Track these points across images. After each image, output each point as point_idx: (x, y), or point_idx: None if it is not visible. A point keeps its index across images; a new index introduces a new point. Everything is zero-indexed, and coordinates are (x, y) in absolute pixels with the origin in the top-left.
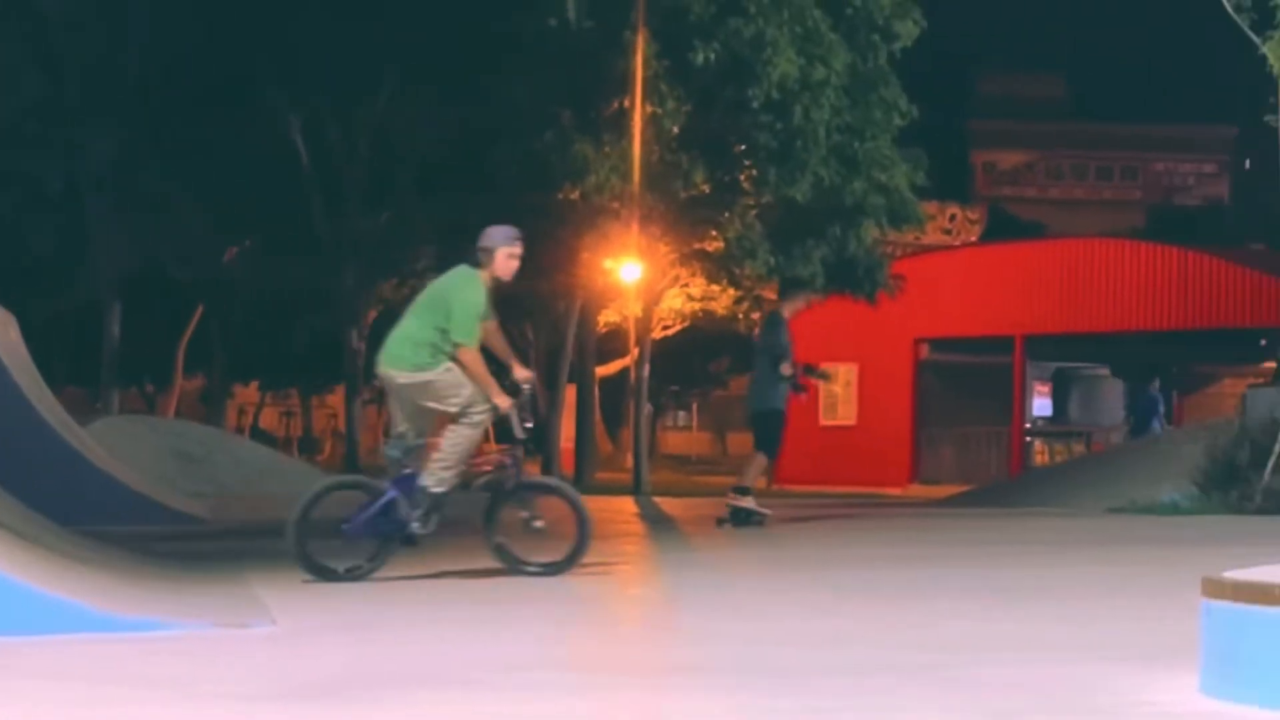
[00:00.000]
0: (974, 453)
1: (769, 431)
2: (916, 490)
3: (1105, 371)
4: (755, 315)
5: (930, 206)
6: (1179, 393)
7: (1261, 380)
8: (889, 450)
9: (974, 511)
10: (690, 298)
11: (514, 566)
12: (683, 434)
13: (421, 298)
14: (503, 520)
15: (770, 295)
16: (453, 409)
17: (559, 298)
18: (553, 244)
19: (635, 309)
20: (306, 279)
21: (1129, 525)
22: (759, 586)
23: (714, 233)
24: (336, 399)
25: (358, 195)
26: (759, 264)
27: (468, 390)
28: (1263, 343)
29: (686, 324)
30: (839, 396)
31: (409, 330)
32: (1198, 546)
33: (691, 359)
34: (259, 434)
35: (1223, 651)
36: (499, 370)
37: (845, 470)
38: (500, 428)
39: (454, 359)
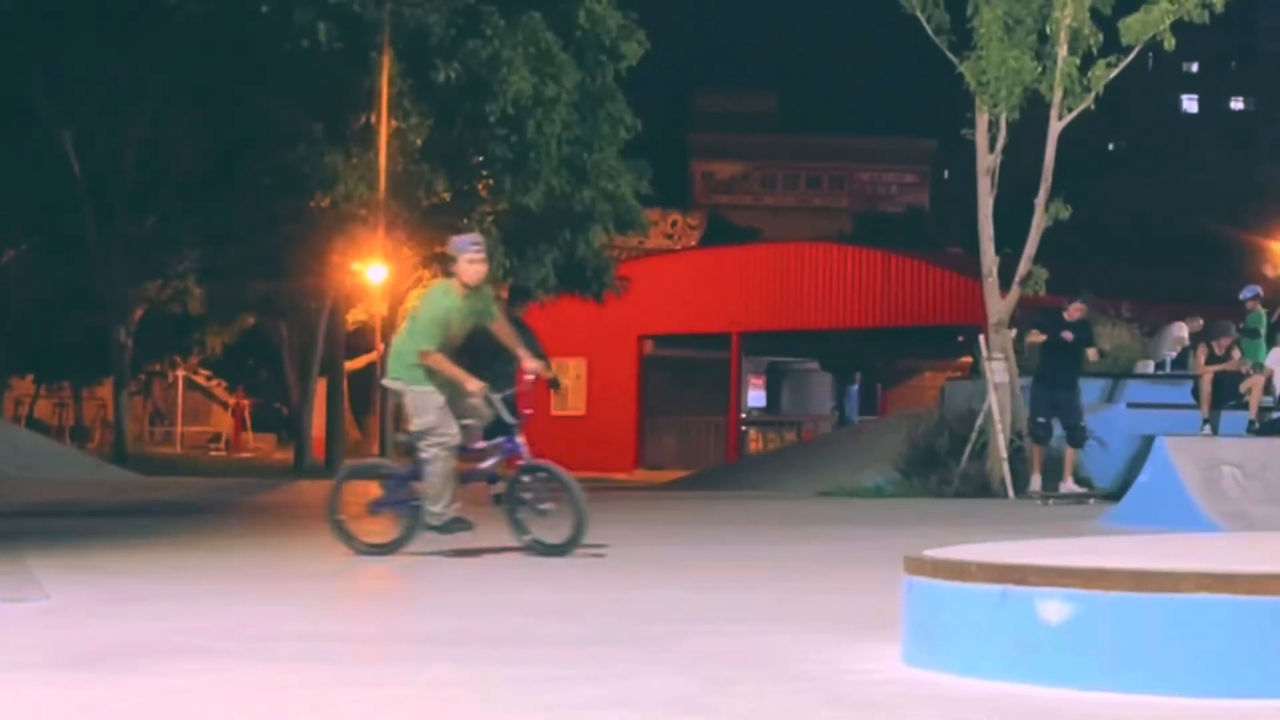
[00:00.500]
0: (694, 440)
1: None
2: (641, 475)
3: (815, 366)
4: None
5: (653, 213)
6: (883, 385)
7: (958, 374)
8: (616, 438)
9: (695, 494)
10: None
11: (529, 543)
12: None
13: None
14: (519, 497)
15: (505, 295)
16: (414, 429)
17: (310, 298)
18: (304, 248)
19: (381, 308)
20: (78, 279)
21: (837, 507)
22: (498, 562)
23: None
24: (106, 390)
25: (125, 202)
26: (495, 267)
27: (430, 417)
28: (960, 339)
29: None
30: (569, 389)
31: (396, 345)
32: (900, 527)
33: None
34: (34, 423)
35: (922, 624)
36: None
37: (575, 456)
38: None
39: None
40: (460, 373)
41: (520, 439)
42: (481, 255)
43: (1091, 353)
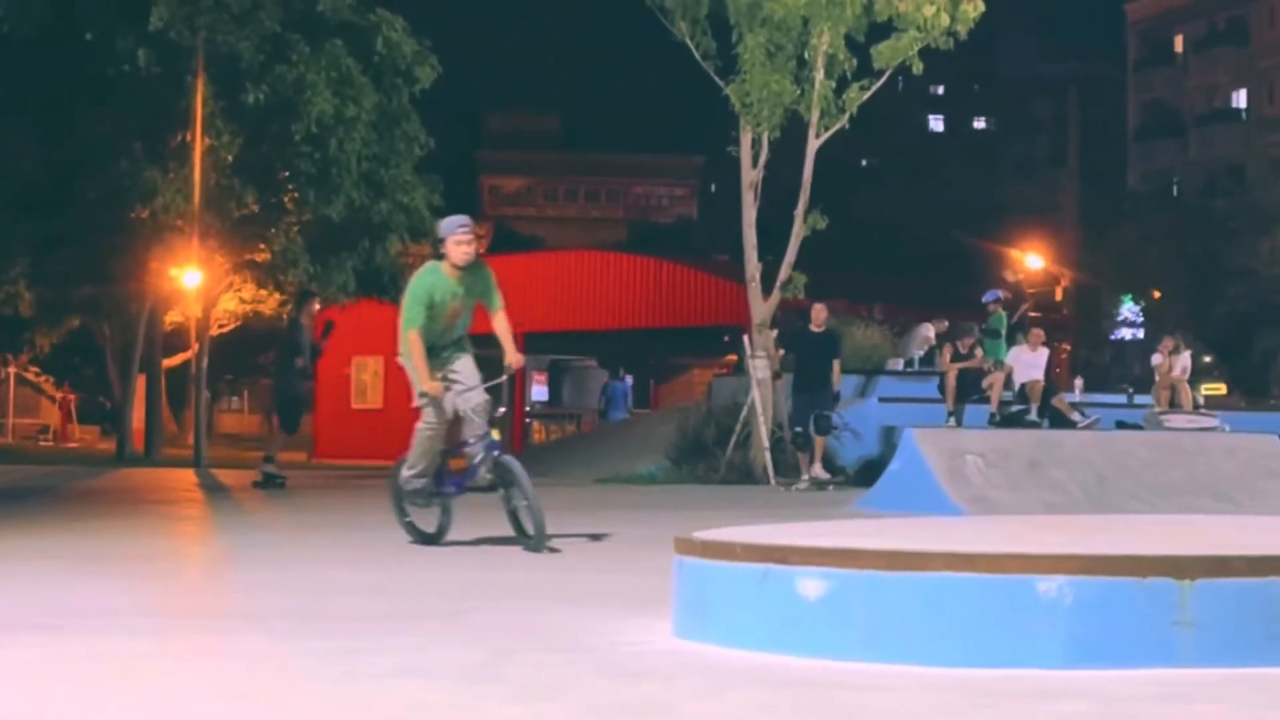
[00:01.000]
0: None
1: (287, 413)
2: None
3: (593, 363)
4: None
5: None
6: (655, 381)
7: (724, 371)
8: (409, 429)
9: None
10: (242, 300)
11: (519, 536)
12: (236, 416)
13: None
14: (511, 490)
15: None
16: (418, 404)
17: (131, 301)
18: (126, 256)
19: (196, 310)
20: None
21: (613, 493)
22: (299, 544)
23: (262, 246)
24: None
25: None
26: (300, 272)
27: (423, 399)
28: (725, 339)
29: (239, 323)
30: (368, 384)
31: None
32: (670, 511)
33: (243, 352)
34: None
35: (692, 600)
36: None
37: (375, 446)
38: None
39: (436, 337)
40: (423, 368)
41: (490, 439)
42: (469, 236)
43: (836, 365)
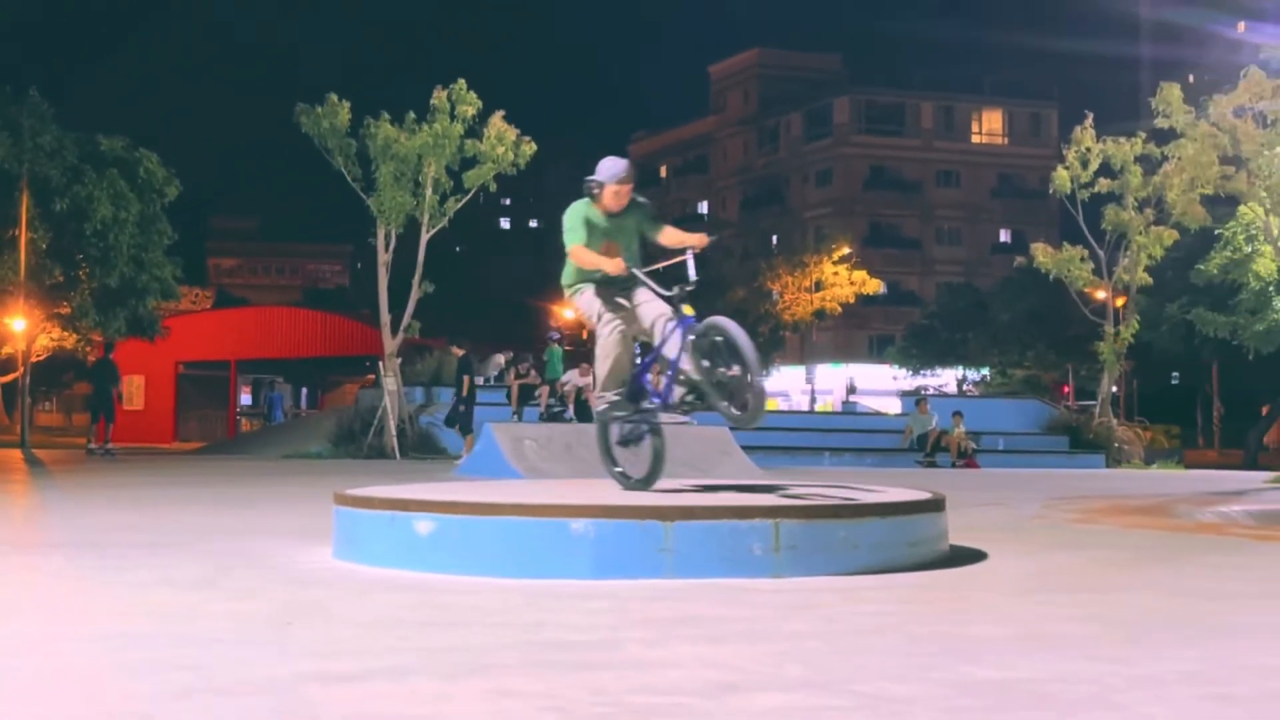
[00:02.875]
0: (208, 424)
1: (96, 408)
2: (177, 445)
3: (281, 379)
4: (88, 350)
5: (185, 289)
6: (322, 391)
7: (368, 384)
8: (161, 422)
9: (210, 457)
10: (52, 339)
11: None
12: (49, 414)
13: None
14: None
15: (97, 338)
16: (591, 325)
17: None
18: None
19: (22, 344)
20: None
21: (294, 464)
22: (91, 497)
23: (65, 303)
24: None
25: None
26: (91, 322)
27: (593, 307)
28: (367, 364)
29: (50, 353)
30: (134, 393)
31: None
32: (334, 476)
33: (53, 373)
34: None
35: (345, 534)
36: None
37: (136, 435)
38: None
39: (595, 279)
40: (598, 259)
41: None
42: (629, 188)
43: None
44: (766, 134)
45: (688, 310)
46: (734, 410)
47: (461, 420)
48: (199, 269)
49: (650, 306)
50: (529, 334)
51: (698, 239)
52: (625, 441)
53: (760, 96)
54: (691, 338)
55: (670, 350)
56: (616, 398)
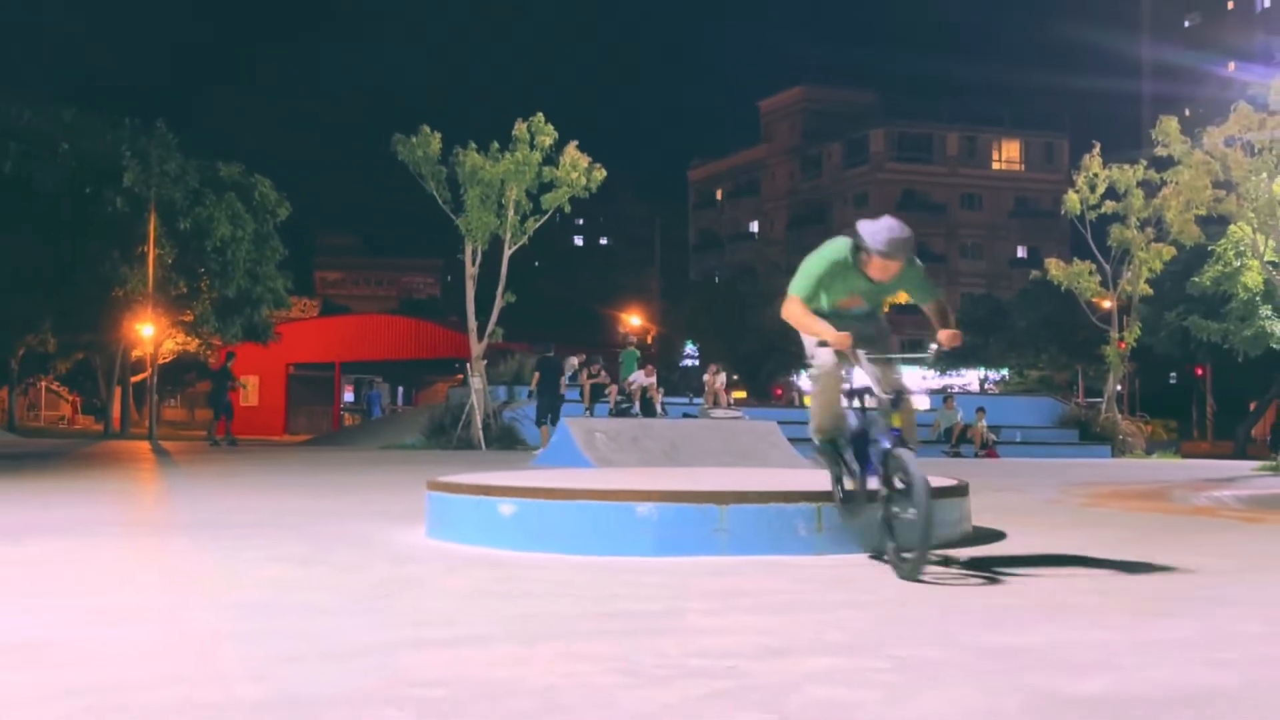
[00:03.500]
0: (316, 419)
1: (217, 406)
2: (287, 438)
3: (380, 379)
4: (208, 353)
5: (295, 299)
6: (416, 390)
7: (456, 384)
8: (274, 417)
9: (318, 448)
10: (176, 343)
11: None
12: (173, 410)
13: None
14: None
15: (217, 343)
16: (809, 353)
17: (112, 343)
18: (109, 317)
19: (149, 348)
20: None
21: (391, 454)
22: (210, 484)
23: (188, 312)
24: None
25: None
26: (211, 328)
27: (810, 346)
28: (456, 365)
29: (174, 356)
30: (250, 390)
31: None
32: (427, 465)
33: (177, 373)
34: None
35: (437, 516)
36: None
37: (253, 427)
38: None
39: (826, 313)
40: (812, 322)
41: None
42: (897, 265)
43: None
44: (810, 162)
45: (896, 421)
46: (902, 555)
47: (553, 413)
48: (307, 281)
49: (863, 379)
50: (598, 339)
51: (949, 336)
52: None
53: (804, 128)
54: (881, 469)
55: (873, 453)
56: (819, 442)
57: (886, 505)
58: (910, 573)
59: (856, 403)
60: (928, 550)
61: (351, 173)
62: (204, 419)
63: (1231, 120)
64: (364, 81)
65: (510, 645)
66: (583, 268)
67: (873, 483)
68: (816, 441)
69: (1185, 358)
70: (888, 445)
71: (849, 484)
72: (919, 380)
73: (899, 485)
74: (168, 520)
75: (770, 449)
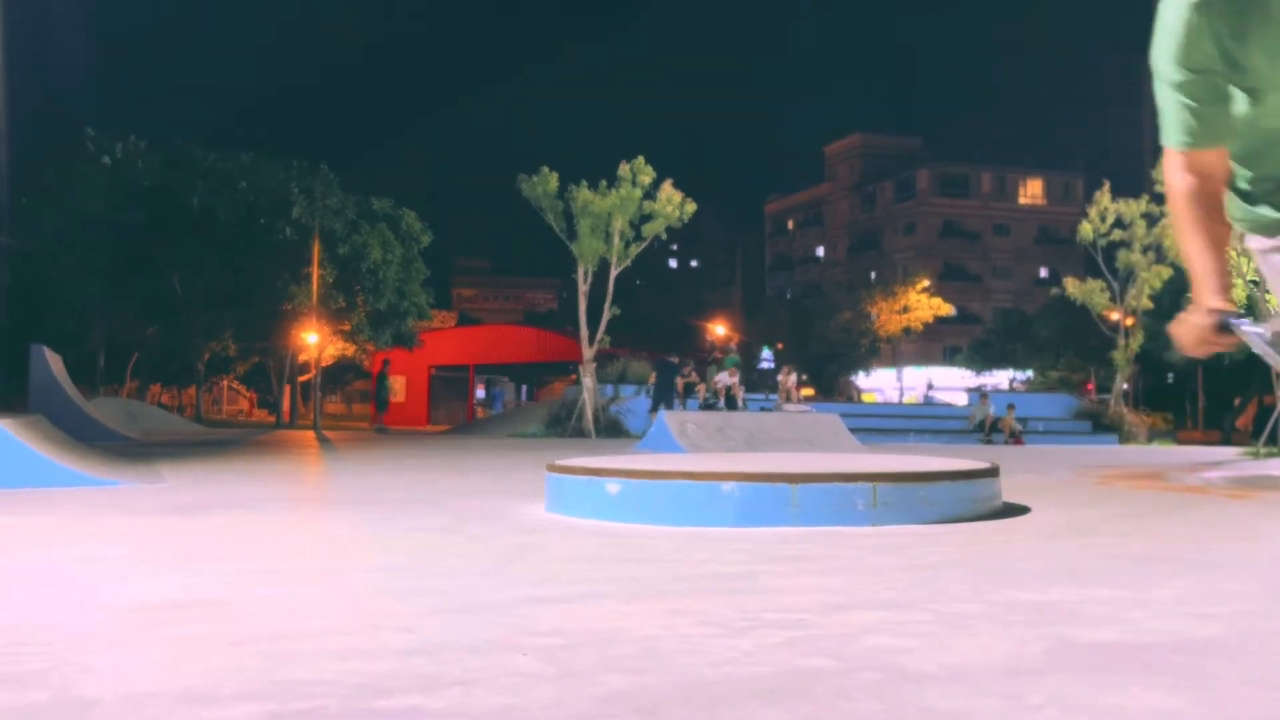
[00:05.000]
0: (453, 412)
1: (382, 402)
2: (430, 428)
3: (507, 379)
4: (363, 358)
5: (435, 312)
6: (536, 388)
7: (570, 383)
8: (418, 410)
9: (456, 437)
10: (336, 349)
11: None
12: (334, 405)
13: None
14: None
15: (371, 349)
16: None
17: (283, 349)
18: (280, 327)
19: (314, 354)
20: (179, 343)
21: (517, 442)
22: (367, 466)
23: (346, 323)
24: (192, 390)
25: (201, 308)
26: (365, 336)
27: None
28: (570, 368)
29: (335, 360)
30: (399, 390)
31: None
32: (547, 450)
33: (338, 374)
34: (162, 406)
35: (555, 494)
36: None
37: (402, 419)
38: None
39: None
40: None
41: None
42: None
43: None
44: (866, 197)
45: None
46: None
47: (666, 405)
48: (445, 297)
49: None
50: (689, 346)
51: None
52: None
53: (862, 169)
54: None
55: None
56: None
57: None
58: None
59: None
60: None
61: (483, 206)
62: (360, 412)
63: None
64: (493, 132)
65: (616, 602)
66: (676, 286)
67: None
68: None
69: (1181, 361)
70: None
71: None
72: (959, 379)
73: None
74: (329, 497)
75: (834, 437)
